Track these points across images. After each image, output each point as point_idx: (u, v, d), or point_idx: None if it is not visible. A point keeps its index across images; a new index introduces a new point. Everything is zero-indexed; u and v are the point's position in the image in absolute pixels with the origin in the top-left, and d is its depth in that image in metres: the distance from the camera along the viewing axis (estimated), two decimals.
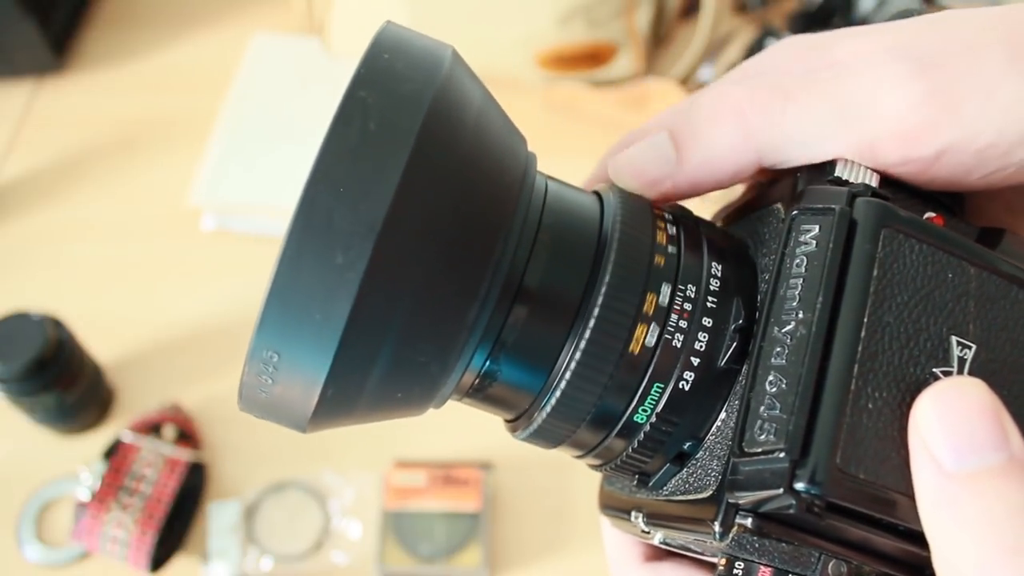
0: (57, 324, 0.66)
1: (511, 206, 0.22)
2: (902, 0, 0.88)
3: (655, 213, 0.24)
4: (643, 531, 0.25)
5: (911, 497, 0.19)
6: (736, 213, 0.27)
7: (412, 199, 0.19)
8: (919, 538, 0.19)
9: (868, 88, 0.22)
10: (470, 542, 0.64)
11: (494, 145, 0.22)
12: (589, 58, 0.88)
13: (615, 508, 0.28)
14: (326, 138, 0.19)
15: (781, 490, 0.19)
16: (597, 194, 0.25)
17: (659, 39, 0.94)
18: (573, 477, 0.68)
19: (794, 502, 0.19)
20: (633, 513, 0.25)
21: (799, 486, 0.19)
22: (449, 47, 0.22)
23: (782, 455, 0.20)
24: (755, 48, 0.86)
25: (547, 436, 0.24)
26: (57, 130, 0.91)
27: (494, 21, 0.85)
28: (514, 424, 0.25)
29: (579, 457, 0.26)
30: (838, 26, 1.01)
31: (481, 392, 0.24)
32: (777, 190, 0.25)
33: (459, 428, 0.71)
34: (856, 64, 0.23)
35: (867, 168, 0.23)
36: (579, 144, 0.89)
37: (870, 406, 0.20)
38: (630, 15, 0.86)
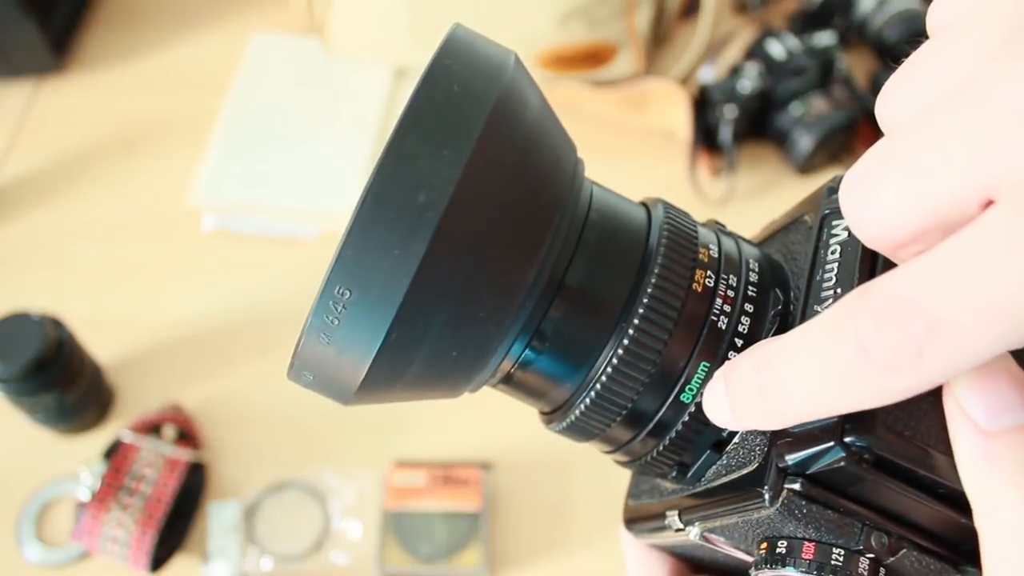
0: (57, 324, 0.66)
1: (567, 183, 0.23)
2: (902, 0, 0.88)
3: (697, 223, 0.26)
4: (678, 529, 0.25)
5: (950, 456, 0.20)
6: (766, 237, 0.29)
7: (489, 153, 0.21)
8: (958, 501, 0.20)
9: None
10: (470, 542, 0.64)
11: (554, 130, 0.24)
12: (589, 58, 0.88)
13: (644, 519, 0.28)
14: (413, 94, 0.21)
15: (832, 443, 0.20)
16: (644, 205, 0.27)
17: (659, 39, 0.94)
18: (573, 477, 0.69)
19: (845, 454, 0.20)
20: (667, 514, 0.26)
21: (849, 439, 0.20)
22: (512, 51, 0.24)
23: None
24: (755, 48, 0.87)
25: (582, 431, 0.25)
26: (57, 130, 0.92)
27: (494, 21, 0.85)
28: (550, 416, 0.26)
29: (611, 452, 0.26)
30: (838, 26, 1.00)
31: (519, 377, 0.25)
32: (802, 206, 0.26)
33: (459, 428, 0.71)
34: None
35: None
36: (579, 144, 0.89)
37: None
38: (630, 15, 0.87)
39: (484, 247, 0.21)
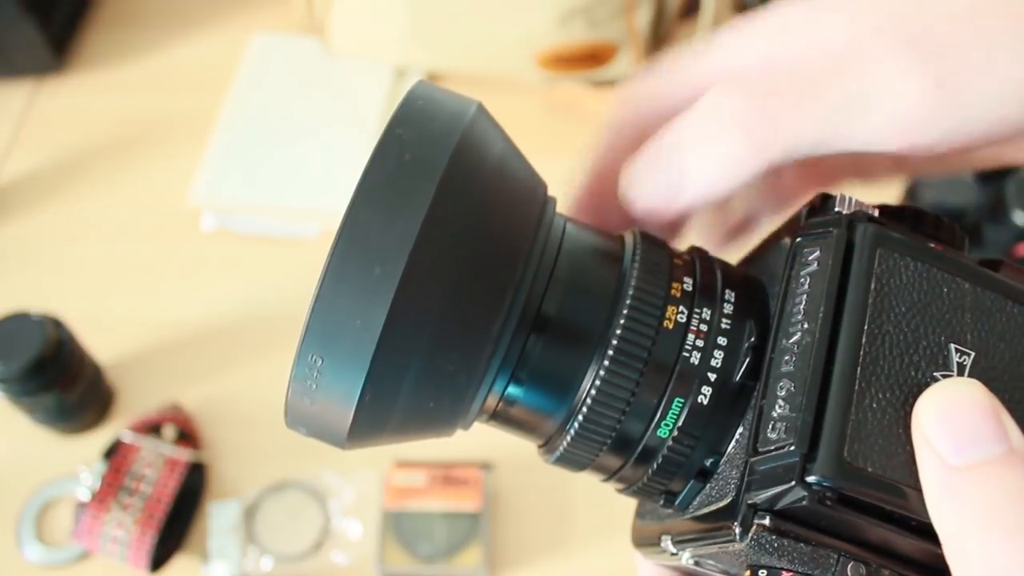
0: (57, 324, 0.66)
1: (530, 233, 0.24)
2: None
3: (672, 250, 0.26)
4: (672, 554, 0.26)
5: (919, 490, 0.20)
6: (752, 256, 0.29)
7: (441, 219, 0.22)
8: (933, 533, 0.20)
9: (870, 83, 0.23)
10: (470, 542, 0.64)
11: (515, 181, 0.25)
12: (589, 58, 0.88)
13: (646, 538, 0.28)
14: (366, 168, 0.22)
15: (793, 483, 0.20)
16: (622, 236, 0.27)
17: (659, 39, 0.94)
18: (573, 477, 0.68)
19: (806, 494, 0.20)
20: (662, 537, 0.26)
21: (810, 479, 0.20)
22: (475, 100, 0.25)
23: (792, 448, 0.21)
24: None
25: (573, 461, 0.26)
26: (57, 130, 0.91)
27: (494, 21, 0.85)
28: (544, 449, 0.27)
29: (606, 480, 0.27)
30: None
31: (506, 413, 0.26)
32: (784, 228, 0.26)
33: None
34: (853, 58, 0.23)
35: (865, 201, 0.24)
36: (579, 144, 0.89)
37: (874, 406, 0.21)
38: (630, 15, 0.87)
39: (444, 309, 0.22)
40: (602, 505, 0.67)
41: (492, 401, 0.25)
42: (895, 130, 0.23)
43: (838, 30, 0.24)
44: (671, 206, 0.25)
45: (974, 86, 0.22)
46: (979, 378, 0.22)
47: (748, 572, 0.22)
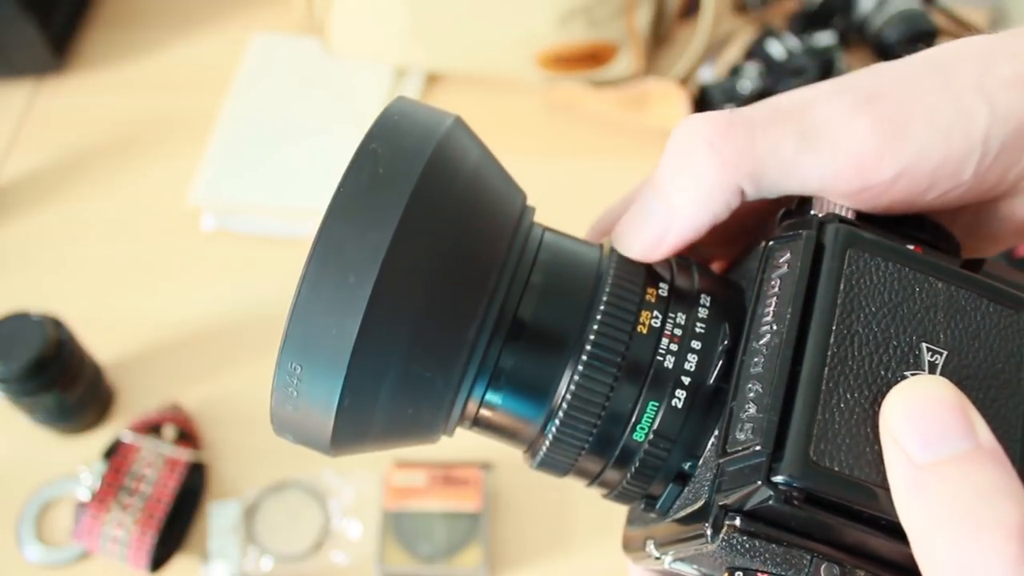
0: (57, 324, 0.66)
1: (505, 243, 0.25)
2: (902, 0, 0.88)
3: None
4: (656, 557, 0.26)
5: (888, 489, 0.20)
6: (735, 261, 0.29)
7: (414, 228, 0.22)
8: (904, 533, 0.20)
9: (825, 119, 0.24)
10: (470, 542, 0.64)
11: (490, 192, 0.25)
12: (589, 58, 0.88)
13: (634, 543, 0.29)
14: (341, 181, 0.23)
15: (760, 483, 0.21)
16: (601, 245, 0.27)
17: (659, 39, 0.94)
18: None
19: (772, 494, 0.20)
20: (646, 542, 0.27)
21: (777, 479, 0.20)
22: (453, 115, 0.26)
23: (758, 448, 0.21)
24: (755, 48, 0.87)
25: (554, 465, 0.26)
26: (57, 130, 0.92)
27: (494, 21, 0.85)
28: (528, 454, 0.28)
29: (588, 485, 0.27)
30: (838, 26, 1.00)
31: (487, 418, 0.26)
32: (764, 232, 0.26)
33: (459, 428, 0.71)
34: (807, 102, 0.25)
35: (840, 204, 0.24)
36: (579, 144, 0.89)
37: (842, 405, 0.21)
38: (630, 15, 0.87)
39: (419, 315, 0.23)
40: (602, 505, 0.66)
41: (472, 407, 0.26)
42: (850, 166, 0.23)
43: (799, 89, 0.26)
44: (665, 241, 0.26)
45: (917, 129, 0.23)
46: (951, 376, 0.22)
47: (726, 574, 0.22)
